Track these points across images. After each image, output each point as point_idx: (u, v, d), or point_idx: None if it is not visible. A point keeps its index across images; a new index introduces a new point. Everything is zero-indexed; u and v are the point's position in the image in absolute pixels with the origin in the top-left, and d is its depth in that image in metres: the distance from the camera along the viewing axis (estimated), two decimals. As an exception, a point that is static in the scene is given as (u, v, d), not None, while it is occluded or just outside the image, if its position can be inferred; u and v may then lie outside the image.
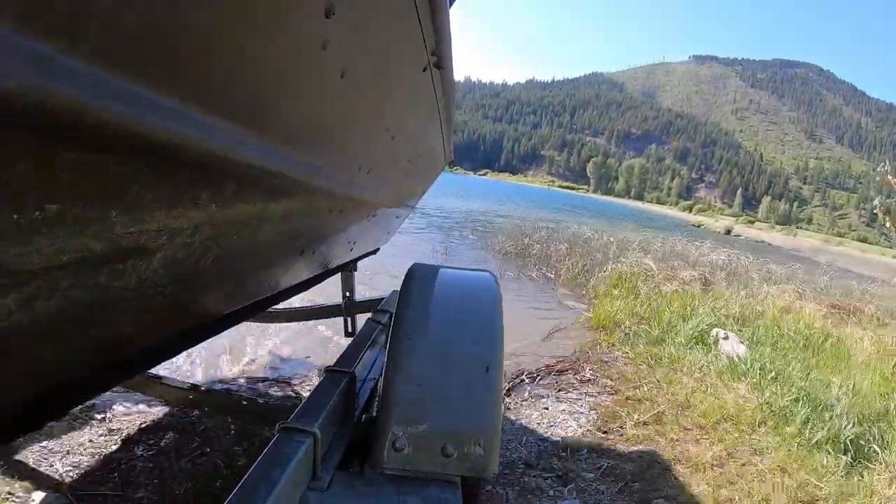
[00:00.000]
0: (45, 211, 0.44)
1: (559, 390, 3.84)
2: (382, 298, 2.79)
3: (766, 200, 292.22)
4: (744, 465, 2.90)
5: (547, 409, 3.50)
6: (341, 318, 3.36)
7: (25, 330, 0.52)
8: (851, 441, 3.24)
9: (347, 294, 3.25)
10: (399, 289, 1.51)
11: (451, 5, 1.45)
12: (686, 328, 5.44)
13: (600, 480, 2.68)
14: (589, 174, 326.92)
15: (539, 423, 3.27)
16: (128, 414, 2.70)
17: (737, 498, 2.55)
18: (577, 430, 3.22)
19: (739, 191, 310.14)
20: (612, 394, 3.85)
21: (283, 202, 1.02)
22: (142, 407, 2.78)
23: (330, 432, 1.27)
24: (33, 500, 2.10)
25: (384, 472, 1.16)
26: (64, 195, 0.45)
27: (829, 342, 5.89)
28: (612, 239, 12.30)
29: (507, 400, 3.59)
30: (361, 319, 2.88)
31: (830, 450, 3.12)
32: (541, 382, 3.96)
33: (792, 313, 7.33)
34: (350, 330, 3.37)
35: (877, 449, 3.21)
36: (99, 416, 2.66)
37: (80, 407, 2.56)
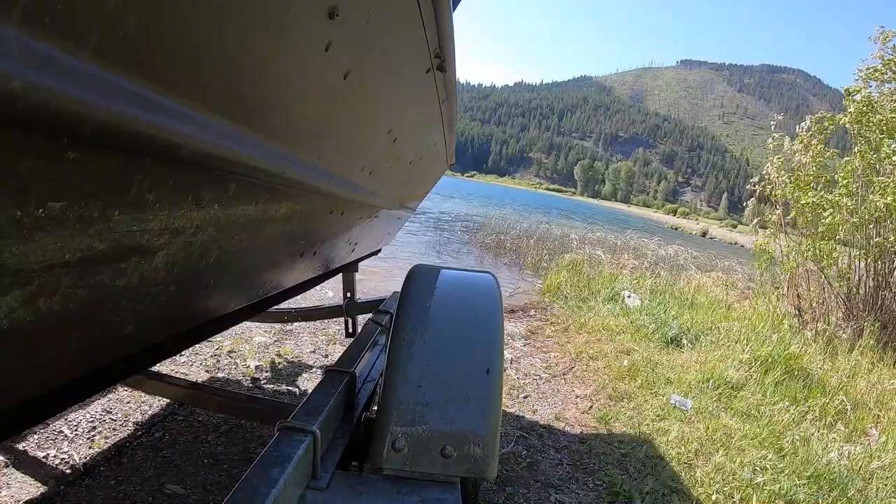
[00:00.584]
0: (47, 209, 0.45)
1: (510, 319, 6.32)
2: (383, 299, 2.89)
3: (751, 204, 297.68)
4: (604, 345, 5.40)
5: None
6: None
7: (27, 327, 0.52)
8: (672, 338, 5.73)
9: (348, 295, 3.32)
10: (399, 290, 1.53)
11: (454, 8, 1.48)
12: (606, 291, 7.95)
13: (523, 347, 5.17)
14: (576, 177, 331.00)
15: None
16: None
17: (589, 351, 5.06)
18: (515, 331, 5.70)
19: (725, 194, 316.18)
20: (542, 321, 6.35)
21: (286, 203, 1.03)
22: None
23: (330, 432, 1.29)
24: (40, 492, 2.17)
25: (384, 472, 1.18)
26: (66, 194, 0.46)
27: (711, 304, 8.40)
28: (575, 236, 14.87)
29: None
30: (362, 320, 3.13)
31: (656, 341, 5.62)
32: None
33: (701, 289, 9.87)
34: (351, 330, 3.45)
35: (686, 342, 5.71)
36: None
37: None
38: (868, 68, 6.86)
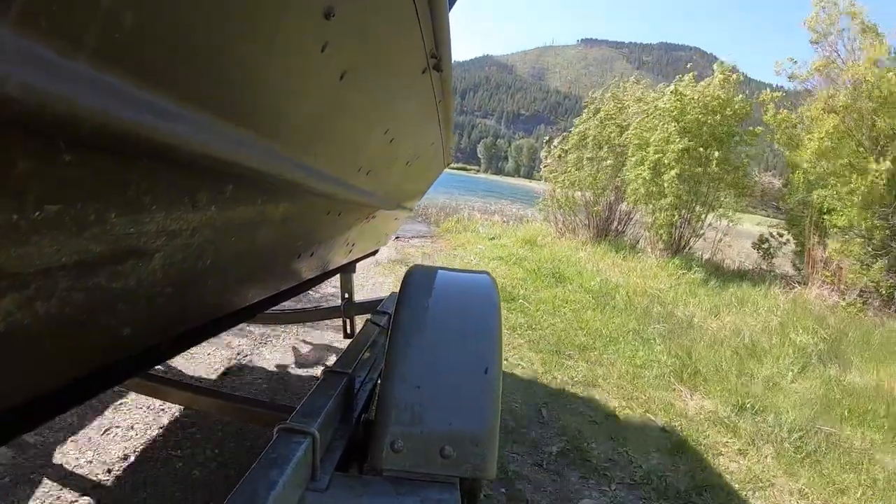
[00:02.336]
0: (44, 212, 0.45)
1: (420, 238, 14.46)
2: (381, 300, 3.04)
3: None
4: (461, 240, 13.68)
5: (414, 240, 14.09)
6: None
7: (24, 330, 0.53)
8: (492, 238, 14.05)
9: (346, 295, 3.43)
10: (398, 290, 1.57)
11: (450, 7, 1.55)
12: (472, 227, 16.30)
13: (431, 244, 13.38)
14: (479, 155, 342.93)
15: (411, 242, 13.83)
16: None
17: (453, 242, 13.35)
18: (428, 242, 13.89)
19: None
20: (439, 239, 14.55)
21: (283, 204, 1.06)
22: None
23: (328, 433, 1.34)
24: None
25: (383, 473, 1.22)
26: (63, 197, 0.47)
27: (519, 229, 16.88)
28: (465, 205, 23.35)
29: (413, 242, 14.07)
30: (360, 321, 3.38)
31: (484, 238, 13.96)
32: (416, 239, 14.57)
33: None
34: (349, 331, 3.59)
35: (497, 238, 14.04)
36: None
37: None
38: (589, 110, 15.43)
